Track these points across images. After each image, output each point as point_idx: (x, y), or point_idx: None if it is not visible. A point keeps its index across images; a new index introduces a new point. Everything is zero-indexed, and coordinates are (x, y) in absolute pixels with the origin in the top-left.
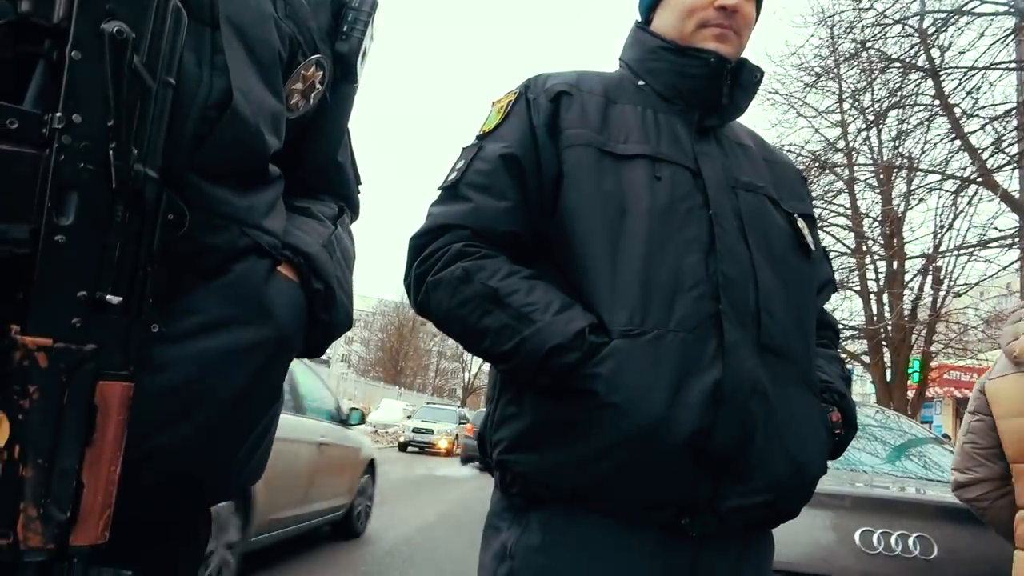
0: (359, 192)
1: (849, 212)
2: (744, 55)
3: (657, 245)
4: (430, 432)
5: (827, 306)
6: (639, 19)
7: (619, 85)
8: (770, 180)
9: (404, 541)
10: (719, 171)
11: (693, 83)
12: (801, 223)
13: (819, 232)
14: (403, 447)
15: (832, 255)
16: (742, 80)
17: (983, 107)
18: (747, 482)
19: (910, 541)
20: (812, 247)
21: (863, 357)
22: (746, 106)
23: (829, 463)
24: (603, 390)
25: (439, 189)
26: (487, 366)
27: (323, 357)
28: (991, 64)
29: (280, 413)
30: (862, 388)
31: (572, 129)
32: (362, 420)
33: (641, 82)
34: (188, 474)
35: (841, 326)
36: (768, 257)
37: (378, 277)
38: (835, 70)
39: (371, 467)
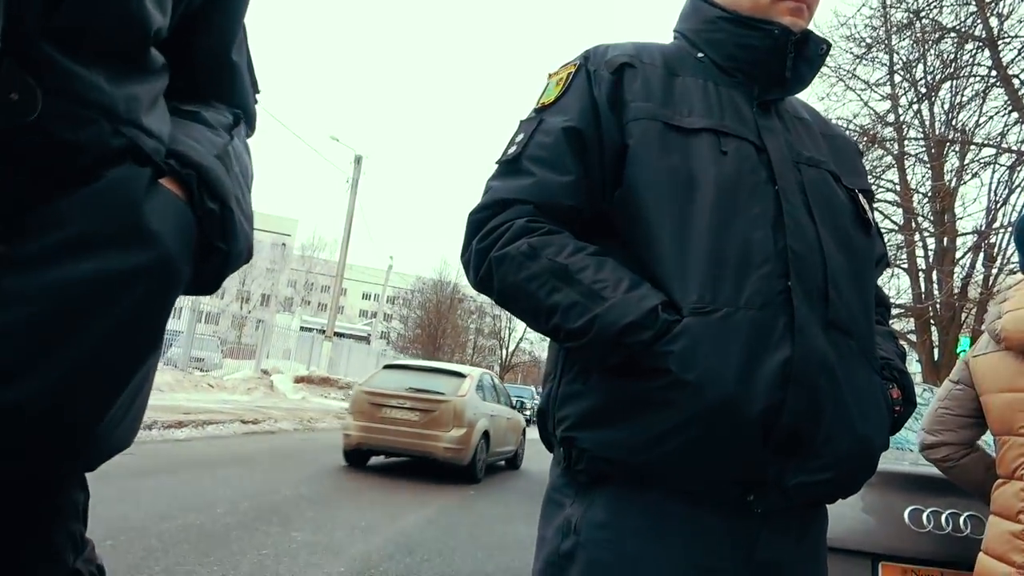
0: (256, 101)
1: (898, 187)
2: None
3: (725, 220)
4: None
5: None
6: None
7: (678, 57)
8: (830, 155)
9: (439, 512)
10: (782, 146)
11: (756, 55)
12: (862, 198)
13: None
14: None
15: (881, 231)
16: (808, 53)
17: None
18: (814, 459)
19: (961, 520)
20: (872, 222)
21: (910, 336)
22: (810, 80)
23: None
24: (677, 367)
25: (498, 163)
26: (526, 343)
27: (363, 334)
28: None
29: (157, 364)
30: (910, 367)
31: (636, 102)
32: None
33: (700, 54)
34: (41, 438)
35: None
36: (833, 232)
37: (416, 254)
38: (886, 41)
39: (523, 432)
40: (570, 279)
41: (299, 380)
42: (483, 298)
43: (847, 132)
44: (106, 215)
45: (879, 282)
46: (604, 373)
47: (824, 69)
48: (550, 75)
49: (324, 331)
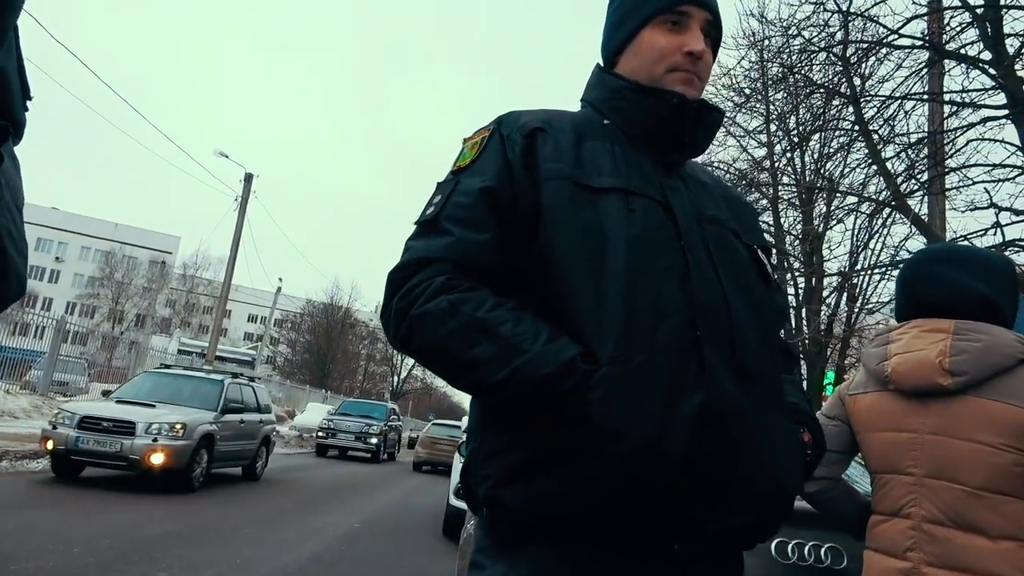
0: (27, 109)
1: (772, 229)
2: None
3: (637, 274)
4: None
5: None
6: (601, 63)
7: (586, 123)
8: (730, 214)
9: (325, 548)
10: (686, 205)
11: (657, 122)
12: (760, 253)
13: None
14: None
15: None
16: (704, 120)
17: (899, 135)
18: (734, 503)
19: (822, 551)
20: (771, 276)
21: None
22: (707, 145)
23: None
24: (597, 415)
25: (417, 223)
26: (418, 369)
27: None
28: (907, 94)
29: None
30: None
31: (548, 163)
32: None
33: (607, 121)
34: None
35: None
36: (735, 285)
37: (307, 276)
38: (763, 93)
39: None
40: (490, 333)
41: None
42: (376, 323)
43: (727, 175)
44: None
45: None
46: (526, 427)
47: None
48: (465, 140)
49: (204, 355)
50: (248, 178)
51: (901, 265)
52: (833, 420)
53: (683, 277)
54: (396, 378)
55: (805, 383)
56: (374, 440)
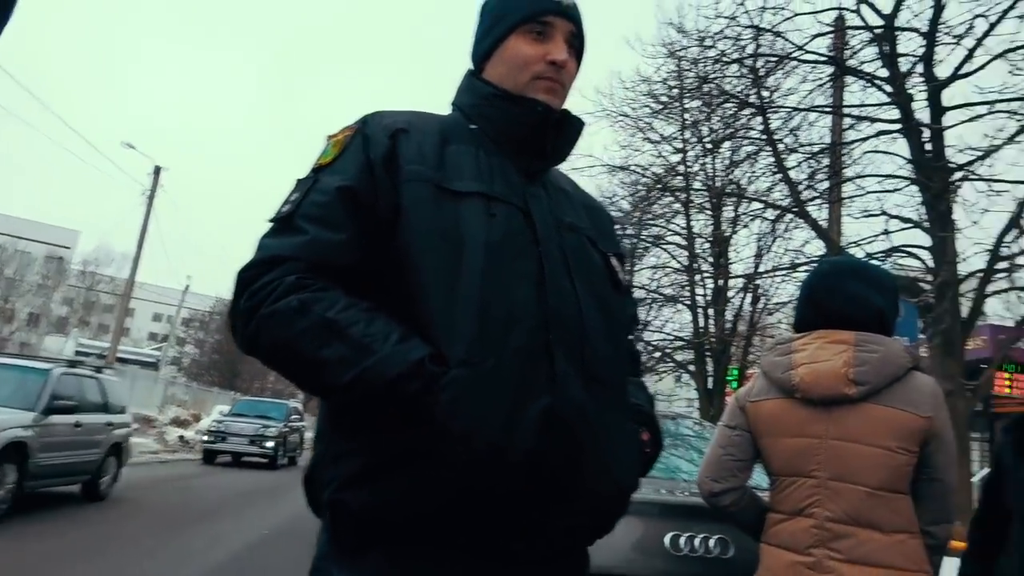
0: None
1: (684, 232)
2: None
3: (492, 279)
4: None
5: (661, 317)
6: (471, 67)
7: (453, 127)
8: (588, 222)
9: (232, 558)
10: (546, 212)
11: (522, 130)
12: (614, 261)
13: (659, 247)
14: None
15: (667, 271)
16: (565, 129)
17: (802, 144)
18: (575, 505)
19: (711, 542)
20: (623, 284)
21: (689, 366)
22: (568, 153)
23: (651, 472)
24: (444, 418)
25: (271, 221)
26: None
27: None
28: (811, 107)
29: None
30: (687, 394)
31: (410, 165)
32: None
33: (474, 126)
34: None
35: (672, 336)
36: (589, 292)
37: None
38: (679, 100)
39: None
40: (340, 334)
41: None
42: None
43: (643, 178)
44: None
45: (663, 316)
46: (373, 429)
47: (626, 120)
48: (329, 137)
49: (104, 356)
50: (157, 171)
51: (807, 276)
52: (735, 430)
53: (538, 283)
54: None
55: (711, 379)
56: (271, 444)
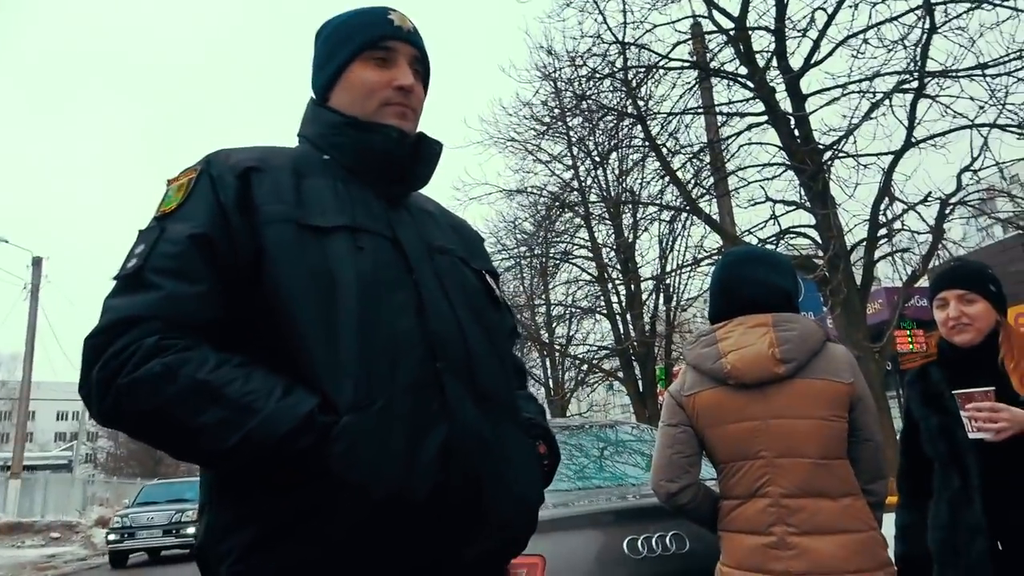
0: None
1: (589, 244)
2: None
3: (371, 314)
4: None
5: (583, 329)
6: (314, 96)
7: (306, 160)
8: (457, 242)
9: None
10: (415, 237)
11: (378, 156)
12: (488, 279)
13: (568, 263)
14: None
15: (579, 284)
16: (423, 152)
17: (684, 146)
18: (483, 528)
19: (667, 540)
20: (499, 299)
21: (618, 373)
22: (429, 175)
23: (599, 482)
24: (340, 469)
25: (117, 278)
26: None
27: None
28: (684, 110)
29: None
30: (621, 400)
31: (267, 206)
32: None
33: (326, 156)
34: None
35: (596, 347)
36: (469, 312)
37: None
38: (562, 119)
39: None
40: (215, 395)
41: None
42: None
43: (541, 199)
44: None
45: (584, 328)
46: (264, 492)
47: (514, 145)
48: (169, 181)
49: (8, 467)
50: (37, 262)
51: (715, 269)
52: (677, 427)
53: (418, 310)
54: None
55: (640, 382)
56: (191, 529)
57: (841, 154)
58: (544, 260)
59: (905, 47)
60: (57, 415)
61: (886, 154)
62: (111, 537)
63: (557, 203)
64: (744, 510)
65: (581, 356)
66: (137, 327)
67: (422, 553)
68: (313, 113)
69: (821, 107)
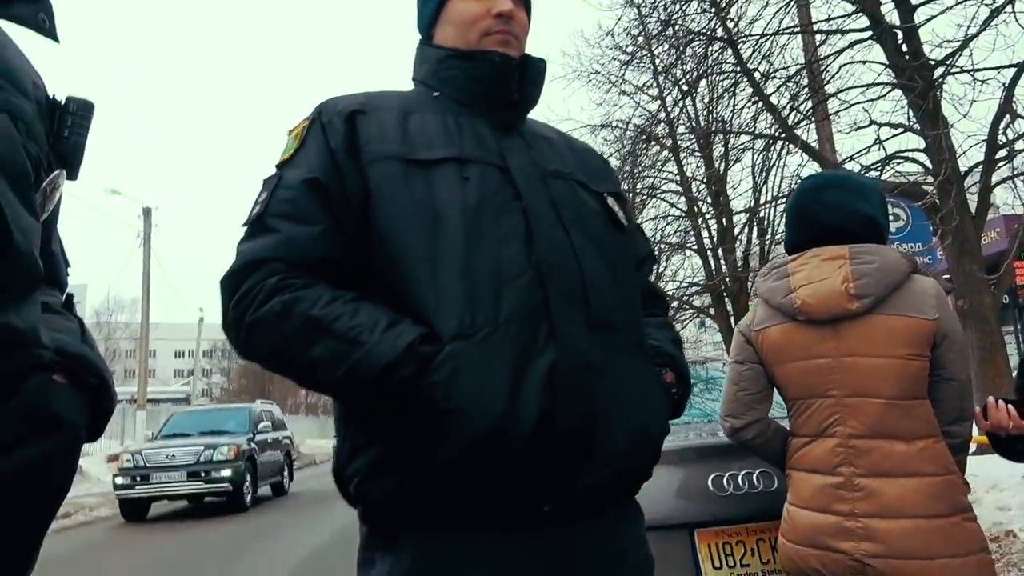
0: (68, 275)
1: (678, 178)
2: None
3: (475, 244)
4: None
5: (672, 266)
6: (421, 38)
7: (416, 99)
8: (576, 166)
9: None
10: (527, 163)
11: (485, 84)
12: (611, 201)
13: (656, 197)
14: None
15: (668, 219)
16: (529, 73)
17: (778, 70)
18: (597, 456)
19: (754, 477)
20: (624, 223)
21: (709, 310)
22: (538, 96)
23: (688, 419)
24: (442, 397)
25: (244, 225)
26: None
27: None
28: (779, 30)
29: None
30: (712, 338)
31: (371, 144)
32: None
33: (436, 93)
34: None
35: (686, 283)
36: (587, 238)
37: None
38: (647, 47)
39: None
40: (326, 330)
41: (112, 459)
42: None
43: (626, 132)
44: (29, 420)
45: (673, 266)
46: (381, 419)
47: (597, 77)
48: (289, 131)
49: (135, 400)
50: (147, 212)
51: (790, 197)
52: (744, 364)
53: (527, 238)
54: None
55: (732, 319)
56: (226, 471)
57: (955, 69)
58: (631, 195)
59: None
60: (175, 353)
61: (1007, 67)
62: (118, 480)
63: (643, 136)
64: (812, 449)
65: (671, 293)
66: (260, 269)
67: (531, 476)
68: (420, 53)
69: (933, 17)
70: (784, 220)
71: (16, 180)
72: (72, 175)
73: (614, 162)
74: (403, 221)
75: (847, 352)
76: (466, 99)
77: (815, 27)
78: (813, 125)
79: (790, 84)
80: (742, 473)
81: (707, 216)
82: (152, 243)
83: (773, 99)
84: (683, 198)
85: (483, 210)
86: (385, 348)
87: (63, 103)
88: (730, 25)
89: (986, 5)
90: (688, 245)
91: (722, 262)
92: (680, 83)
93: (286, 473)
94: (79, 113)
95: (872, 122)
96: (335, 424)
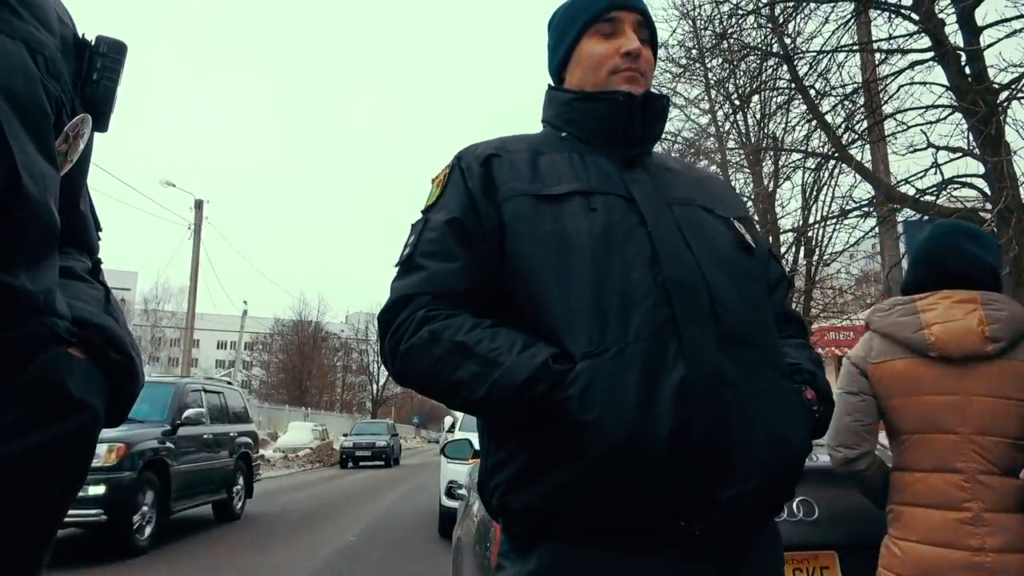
0: (99, 239)
1: None
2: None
3: (602, 268)
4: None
5: None
6: (551, 83)
7: (544, 140)
8: (701, 193)
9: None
10: (651, 192)
11: (608, 123)
12: (738, 224)
13: None
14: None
15: None
16: (653, 109)
17: (834, 87)
18: (736, 470)
19: (794, 505)
20: (752, 245)
21: None
22: (660, 131)
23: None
24: (575, 410)
25: (396, 266)
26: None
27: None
28: (837, 47)
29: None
30: None
31: (506, 184)
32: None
33: (564, 134)
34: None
35: None
36: (714, 259)
37: (272, 296)
38: (700, 60)
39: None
40: (469, 353)
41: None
42: (348, 333)
43: (675, 145)
44: (41, 398)
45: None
46: (519, 435)
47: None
48: (432, 179)
49: None
50: (199, 204)
51: (920, 240)
52: (858, 395)
53: (653, 261)
54: (375, 386)
55: None
56: (97, 489)
57: (1020, 94)
58: None
59: None
60: (217, 344)
61: None
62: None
63: (692, 149)
64: (929, 483)
65: None
66: (412, 302)
67: (666, 489)
68: (549, 97)
69: (999, 40)
70: (909, 258)
71: (31, 120)
72: (101, 126)
73: None
74: (535, 249)
75: (977, 391)
76: (591, 137)
77: (875, 46)
78: (868, 146)
79: (846, 103)
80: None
81: None
82: (202, 235)
83: (828, 118)
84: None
85: (610, 236)
86: (521, 366)
87: (93, 43)
88: (787, 41)
89: None
90: None
91: None
92: (732, 98)
93: (239, 487)
94: (110, 55)
95: (930, 145)
96: (479, 442)
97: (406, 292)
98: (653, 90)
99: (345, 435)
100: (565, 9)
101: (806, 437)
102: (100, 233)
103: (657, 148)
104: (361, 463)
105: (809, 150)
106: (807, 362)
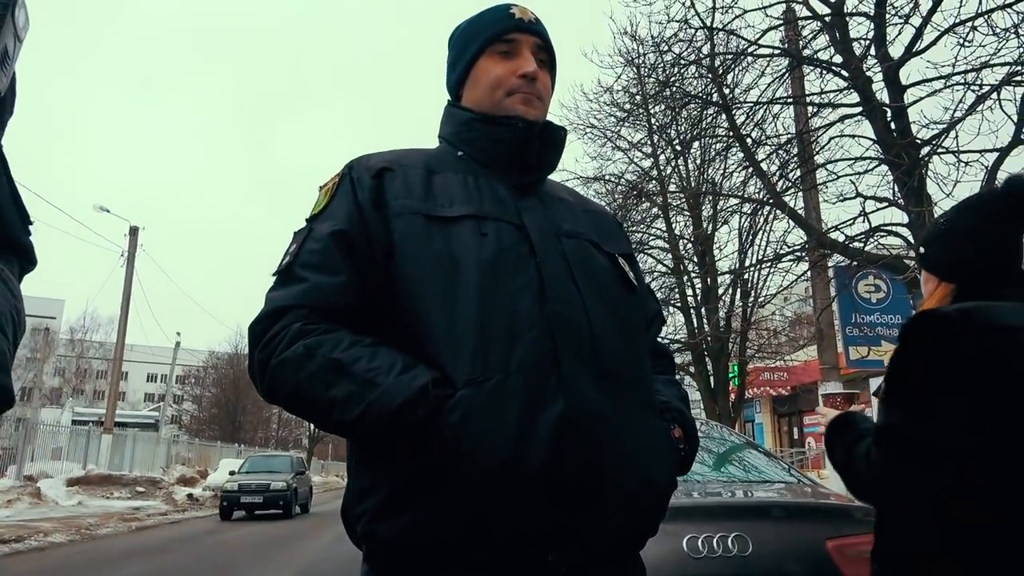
0: (30, 234)
1: (666, 235)
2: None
3: (489, 295)
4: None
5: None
6: (449, 98)
7: (440, 158)
8: (589, 227)
9: None
10: (542, 222)
11: (506, 147)
12: (622, 261)
13: (643, 253)
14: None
15: (654, 275)
16: (549, 139)
17: (769, 137)
18: (603, 506)
19: (728, 541)
20: (635, 282)
21: (690, 368)
22: (556, 162)
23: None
24: (453, 439)
25: (274, 274)
26: None
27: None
28: (772, 99)
29: None
30: (691, 397)
31: (397, 200)
32: None
33: (460, 152)
34: None
35: (667, 340)
36: (597, 294)
37: (207, 328)
38: (644, 106)
39: None
40: (344, 372)
41: (73, 483)
42: None
43: (618, 187)
44: None
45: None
46: (391, 460)
47: (593, 131)
48: (320, 187)
49: (102, 422)
50: (134, 231)
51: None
52: None
53: (539, 292)
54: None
55: (712, 378)
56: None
57: (941, 150)
58: None
59: (1019, 36)
60: (147, 376)
61: (991, 151)
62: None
63: (635, 191)
64: None
65: None
66: (287, 314)
67: (536, 523)
68: (448, 113)
69: (921, 99)
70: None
71: None
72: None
73: None
74: (422, 270)
75: None
76: (487, 160)
77: (808, 99)
78: (801, 193)
79: (780, 152)
80: (717, 536)
81: (692, 275)
82: (135, 263)
83: (763, 165)
84: (670, 255)
85: (499, 263)
86: (399, 390)
87: None
88: (725, 91)
89: (972, 91)
90: (672, 302)
91: (705, 321)
92: (674, 143)
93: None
94: None
95: (858, 194)
96: (347, 464)
97: (282, 303)
98: (553, 119)
99: (232, 473)
100: (466, 27)
101: (672, 475)
102: (31, 226)
103: (600, 189)
104: (255, 511)
105: (745, 196)
106: (675, 400)
